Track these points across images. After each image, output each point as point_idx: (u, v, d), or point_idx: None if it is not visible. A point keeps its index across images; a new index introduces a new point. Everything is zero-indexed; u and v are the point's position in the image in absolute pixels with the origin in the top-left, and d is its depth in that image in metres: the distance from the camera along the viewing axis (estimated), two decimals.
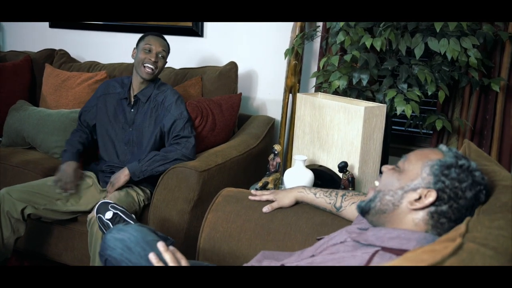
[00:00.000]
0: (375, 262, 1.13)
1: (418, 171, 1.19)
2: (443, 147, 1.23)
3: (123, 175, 2.26)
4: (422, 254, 0.73)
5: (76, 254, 2.42)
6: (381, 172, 1.29)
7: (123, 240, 1.20)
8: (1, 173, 2.61)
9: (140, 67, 2.36)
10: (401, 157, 1.28)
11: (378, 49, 2.07)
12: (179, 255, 1.18)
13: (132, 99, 2.43)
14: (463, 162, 1.17)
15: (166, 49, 2.44)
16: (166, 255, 1.16)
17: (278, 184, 2.23)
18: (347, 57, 2.12)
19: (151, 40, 2.39)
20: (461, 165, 1.17)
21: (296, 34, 2.65)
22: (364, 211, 1.27)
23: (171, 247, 1.17)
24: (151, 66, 2.35)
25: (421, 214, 1.17)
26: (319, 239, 1.37)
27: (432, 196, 1.15)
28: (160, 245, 1.16)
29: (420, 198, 1.17)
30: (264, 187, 2.11)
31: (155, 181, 2.40)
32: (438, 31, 2.01)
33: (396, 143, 2.68)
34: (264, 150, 2.69)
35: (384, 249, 1.16)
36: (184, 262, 1.17)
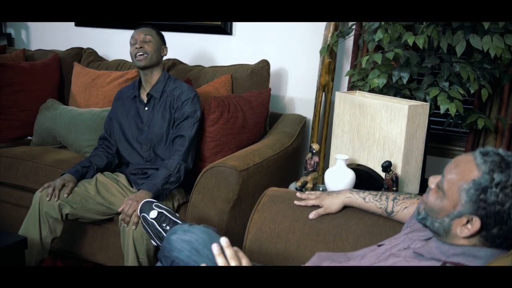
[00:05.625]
0: None
1: (457, 197, 1.12)
2: (478, 156, 1.12)
3: (145, 198, 2.08)
4: None
5: (111, 254, 2.41)
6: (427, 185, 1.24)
7: (190, 242, 1.18)
8: (35, 173, 2.60)
9: (134, 61, 2.38)
10: (441, 175, 1.19)
11: (421, 46, 2.04)
12: (241, 254, 1.16)
13: (146, 98, 2.41)
14: (500, 178, 1.08)
15: (151, 33, 2.41)
16: (227, 251, 1.14)
17: (317, 184, 2.21)
18: (390, 55, 2.09)
19: (134, 33, 2.41)
20: (498, 183, 1.07)
21: (331, 32, 2.62)
22: (420, 224, 1.25)
23: (235, 247, 1.14)
24: (140, 53, 2.35)
25: (475, 238, 1.13)
26: (379, 246, 1.34)
27: (477, 224, 1.10)
28: (224, 240, 1.13)
29: (468, 221, 1.12)
30: (303, 186, 2.09)
31: (188, 181, 2.39)
32: (486, 28, 1.96)
33: (433, 142, 2.64)
34: (297, 149, 2.67)
35: (450, 263, 1.13)
36: (245, 262, 1.15)
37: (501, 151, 1.13)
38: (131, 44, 2.40)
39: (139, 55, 2.35)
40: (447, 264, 1.11)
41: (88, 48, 3.44)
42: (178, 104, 2.35)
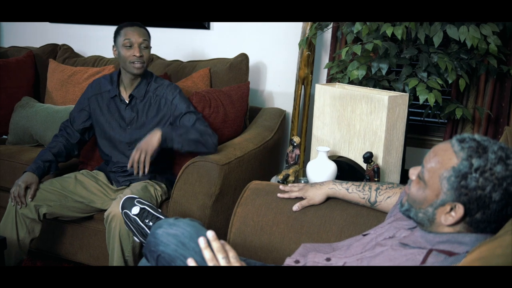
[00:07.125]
0: (430, 263, 1.12)
1: (438, 186, 1.13)
2: (455, 144, 1.13)
3: (155, 138, 2.08)
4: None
5: (92, 253, 2.38)
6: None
7: (176, 235, 1.16)
8: (11, 172, 2.55)
9: (128, 65, 2.23)
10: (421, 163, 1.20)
11: (400, 37, 2.05)
12: (228, 247, 1.15)
13: (127, 98, 2.33)
14: (479, 163, 1.08)
15: (147, 37, 2.27)
16: (214, 244, 1.12)
17: (299, 176, 2.21)
18: (369, 46, 2.10)
19: (128, 33, 2.22)
20: (477, 168, 1.08)
21: (309, 24, 2.62)
22: (404, 215, 1.26)
23: (221, 240, 1.13)
24: (139, 61, 2.22)
25: (460, 225, 1.14)
26: (365, 235, 1.34)
27: (460, 211, 1.11)
28: (210, 233, 1.12)
29: (451, 209, 1.13)
30: (285, 180, 2.09)
31: (171, 176, 2.37)
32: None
33: (411, 133, 2.67)
34: (277, 143, 2.67)
35: (436, 250, 1.14)
36: (232, 254, 1.14)
37: (477, 136, 1.13)
38: (126, 46, 2.21)
39: (137, 64, 2.22)
40: (433, 252, 1.12)
41: (64, 45, 3.38)
42: (168, 105, 2.29)
